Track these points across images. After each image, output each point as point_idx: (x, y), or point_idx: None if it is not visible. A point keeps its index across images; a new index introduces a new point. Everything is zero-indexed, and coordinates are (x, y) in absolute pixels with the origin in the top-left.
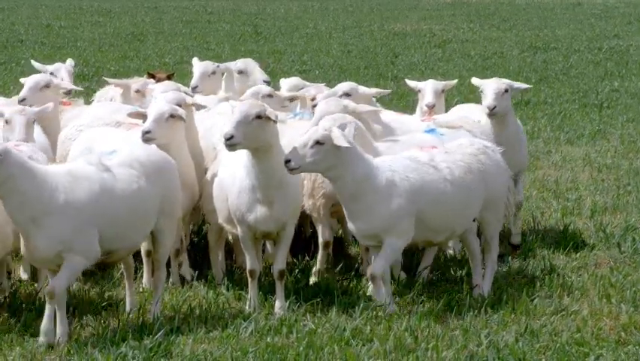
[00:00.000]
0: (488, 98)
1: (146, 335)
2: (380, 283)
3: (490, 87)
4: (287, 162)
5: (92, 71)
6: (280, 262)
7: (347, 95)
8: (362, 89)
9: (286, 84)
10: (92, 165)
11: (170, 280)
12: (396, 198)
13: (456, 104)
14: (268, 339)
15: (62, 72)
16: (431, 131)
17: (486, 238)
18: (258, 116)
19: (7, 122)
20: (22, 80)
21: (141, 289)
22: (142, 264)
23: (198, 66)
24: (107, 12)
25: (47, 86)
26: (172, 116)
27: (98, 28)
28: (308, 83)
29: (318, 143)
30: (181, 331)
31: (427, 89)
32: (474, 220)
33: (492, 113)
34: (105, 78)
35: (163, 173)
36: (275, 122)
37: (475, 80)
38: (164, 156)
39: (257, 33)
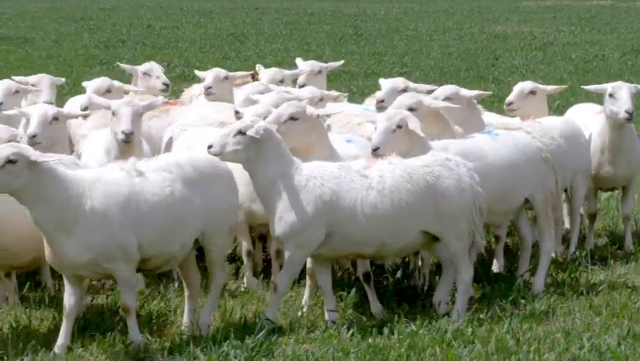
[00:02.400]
0: (627, 103)
1: (248, 335)
2: (279, 295)
3: (625, 91)
4: (209, 147)
5: (192, 71)
6: (363, 265)
7: (449, 98)
8: (462, 91)
9: (387, 84)
10: (122, 171)
11: (272, 278)
12: (304, 205)
13: (557, 107)
14: (370, 340)
15: (156, 71)
16: (488, 132)
17: (450, 256)
18: (292, 118)
19: (113, 113)
20: (84, 83)
21: (242, 289)
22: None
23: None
24: (207, 13)
25: (109, 90)
26: (293, 118)
27: (198, 29)
28: (412, 84)
29: (240, 132)
30: (283, 331)
31: (515, 89)
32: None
33: (631, 118)
34: (197, 72)
35: (209, 179)
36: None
37: (593, 87)
38: (213, 162)
39: (357, 35)
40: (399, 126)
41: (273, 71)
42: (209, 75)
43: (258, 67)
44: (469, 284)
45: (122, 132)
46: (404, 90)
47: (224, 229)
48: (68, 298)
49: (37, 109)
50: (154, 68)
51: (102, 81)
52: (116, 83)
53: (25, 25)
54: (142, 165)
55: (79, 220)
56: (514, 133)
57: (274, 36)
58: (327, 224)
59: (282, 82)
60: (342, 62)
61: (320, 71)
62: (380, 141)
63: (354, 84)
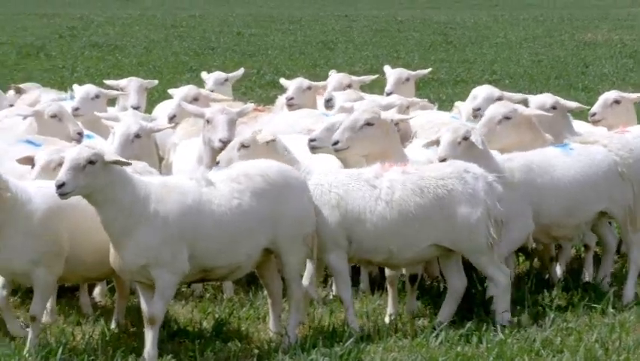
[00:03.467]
0: None
1: (337, 343)
2: (349, 306)
3: None
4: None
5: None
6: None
7: (554, 108)
8: (562, 101)
9: (482, 92)
10: (192, 180)
11: (361, 286)
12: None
13: None
14: (458, 348)
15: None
16: (563, 146)
17: (479, 269)
18: (368, 123)
19: (208, 121)
20: (170, 91)
21: (331, 296)
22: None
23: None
24: (297, 20)
25: (196, 99)
26: (369, 124)
27: (288, 36)
28: (507, 93)
29: (243, 146)
30: (371, 339)
31: (599, 99)
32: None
33: None
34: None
35: (279, 189)
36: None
37: None
38: (284, 172)
39: (447, 42)
40: (464, 138)
41: (340, 76)
42: (292, 86)
43: (331, 73)
44: (507, 287)
45: (220, 140)
46: (499, 99)
47: (298, 239)
48: (145, 306)
49: (120, 127)
50: (212, 76)
51: (189, 89)
52: (203, 91)
53: (115, 32)
54: (212, 174)
55: (140, 224)
56: (589, 147)
57: (363, 44)
58: (344, 229)
59: (349, 87)
60: (430, 69)
61: (408, 79)
62: (446, 153)
63: (444, 92)
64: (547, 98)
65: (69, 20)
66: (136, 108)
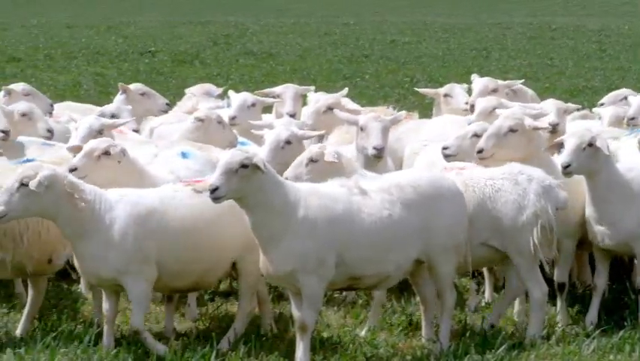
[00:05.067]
0: None
1: (489, 350)
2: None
3: None
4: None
5: (436, 86)
6: (560, 275)
7: None
8: None
9: (636, 101)
10: (343, 187)
11: None
12: None
13: None
14: (610, 357)
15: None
16: None
17: (520, 278)
18: (512, 130)
19: (362, 128)
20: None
21: (483, 303)
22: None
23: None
24: (451, 28)
25: (330, 108)
26: (512, 130)
27: (441, 44)
28: None
29: (312, 160)
30: (523, 346)
31: None
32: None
33: None
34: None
35: (430, 199)
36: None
37: None
38: (435, 182)
39: (601, 50)
40: (589, 144)
41: (486, 81)
42: (459, 91)
43: (473, 77)
44: (542, 302)
45: (374, 148)
46: None
47: (449, 249)
48: (296, 312)
49: (271, 134)
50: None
51: (325, 99)
52: (344, 100)
53: (269, 40)
54: (365, 183)
55: (289, 228)
56: None
57: (517, 51)
58: None
59: (494, 91)
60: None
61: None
62: (570, 159)
63: (598, 100)
64: None
65: (224, 28)
66: (292, 115)
